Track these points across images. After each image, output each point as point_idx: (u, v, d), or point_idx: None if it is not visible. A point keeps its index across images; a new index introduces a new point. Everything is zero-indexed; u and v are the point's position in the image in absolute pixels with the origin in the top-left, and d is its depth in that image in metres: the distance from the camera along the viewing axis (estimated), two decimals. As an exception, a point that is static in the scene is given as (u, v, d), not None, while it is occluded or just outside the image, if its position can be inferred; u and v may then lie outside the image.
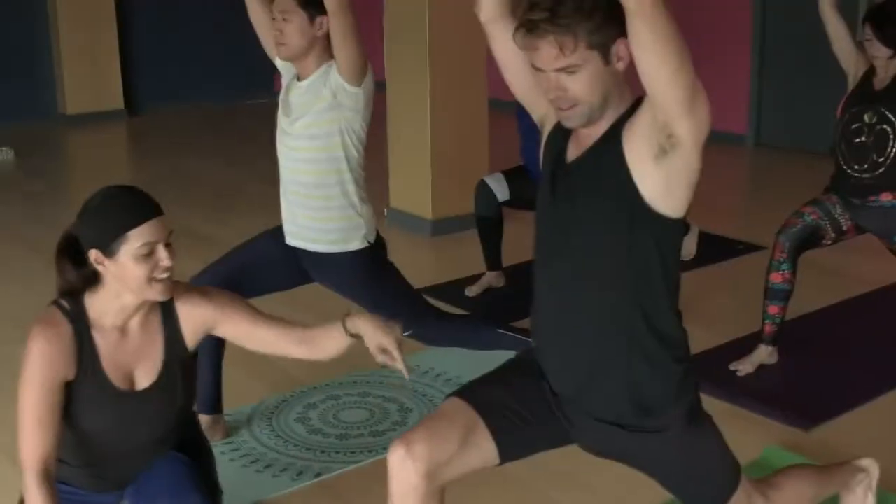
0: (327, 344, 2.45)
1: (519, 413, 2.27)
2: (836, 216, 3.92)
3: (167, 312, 2.35)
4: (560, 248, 2.21)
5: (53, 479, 2.19)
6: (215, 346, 3.29)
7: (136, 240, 2.17)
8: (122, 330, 2.30)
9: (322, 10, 3.07)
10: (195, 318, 2.38)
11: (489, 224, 4.86)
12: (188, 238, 6.05)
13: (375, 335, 2.37)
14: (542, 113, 2.32)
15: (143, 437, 2.37)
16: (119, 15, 9.84)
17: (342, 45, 3.05)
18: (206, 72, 10.64)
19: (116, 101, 9.94)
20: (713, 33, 8.13)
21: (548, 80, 2.07)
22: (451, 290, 4.85)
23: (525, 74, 2.24)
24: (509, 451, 2.27)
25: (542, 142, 2.33)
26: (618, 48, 2.04)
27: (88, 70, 9.68)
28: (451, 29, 5.69)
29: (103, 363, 2.26)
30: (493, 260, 4.91)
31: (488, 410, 2.23)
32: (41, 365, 2.18)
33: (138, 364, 2.32)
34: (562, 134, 2.22)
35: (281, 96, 3.31)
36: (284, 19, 3.13)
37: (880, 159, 3.80)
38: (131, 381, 2.31)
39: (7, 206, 6.78)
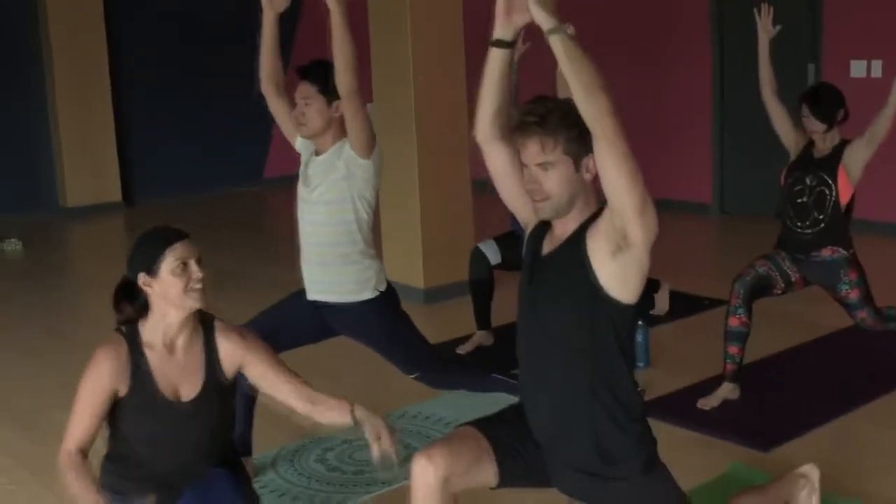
0: (329, 414, 2.90)
1: (518, 450, 2.69)
2: (785, 269, 4.44)
3: (208, 339, 2.82)
4: (534, 324, 2.68)
5: (84, 462, 2.66)
6: (248, 390, 3.74)
7: (171, 257, 2.69)
8: (170, 348, 2.76)
9: (338, 96, 3.58)
10: (231, 350, 2.83)
11: (482, 286, 5.33)
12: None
13: (375, 425, 2.80)
14: (526, 216, 2.79)
15: (188, 448, 2.79)
16: (116, 113, 10.32)
17: (353, 123, 3.55)
18: (197, 163, 11.05)
19: (114, 193, 10.38)
20: (679, 117, 8.79)
21: (529, 174, 2.55)
22: (445, 348, 5.25)
23: (512, 184, 2.72)
24: (506, 479, 2.70)
25: (524, 238, 2.80)
26: (587, 161, 2.53)
27: (87, 165, 10.11)
28: (435, 119, 6.24)
29: (155, 375, 2.73)
30: (483, 320, 5.38)
31: (496, 442, 2.66)
32: (97, 372, 2.67)
33: (184, 380, 2.77)
34: (539, 233, 2.70)
35: (301, 170, 3.80)
36: (306, 103, 3.64)
37: (820, 216, 4.34)
38: (177, 394, 2.77)
39: (22, 294, 7.20)
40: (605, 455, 2.62)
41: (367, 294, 3.74)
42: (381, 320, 3.79)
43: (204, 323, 2.83)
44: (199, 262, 2.74)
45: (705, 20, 8.63)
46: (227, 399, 2.90)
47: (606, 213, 2.50)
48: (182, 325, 2.77)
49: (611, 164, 2.38)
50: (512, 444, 2.68)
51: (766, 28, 4.54)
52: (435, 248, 6.35)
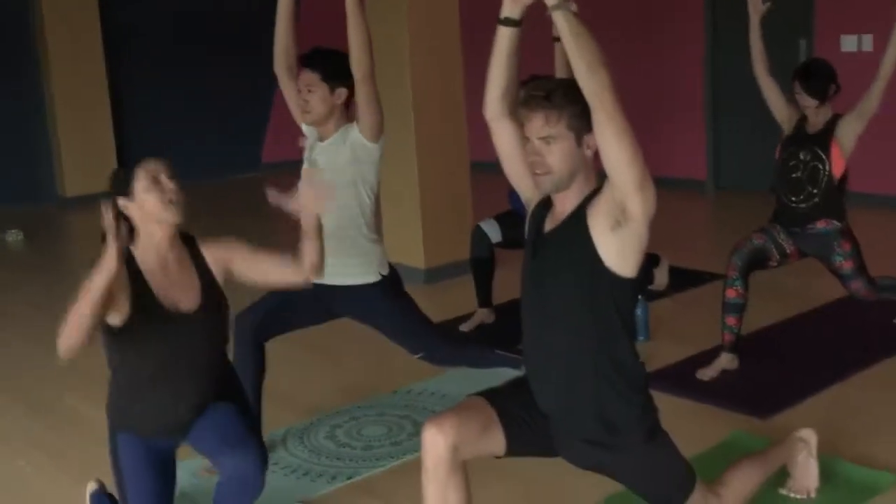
0: (303, 257, 3.09)
1: (525, 420, 2.78)
2: (780, 241, 4.53)
3: (195, 253, 3.05)
4: (538, 300, 2.77)
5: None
6: (257, 369, 3.84)
7: (142, 175, 2.87)
8: (163, 266, 2.93)
9: (340, 83, 3.66)
10: (216, 255, 3.07)
11: (483, 264, 5.42)
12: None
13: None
14: (529, 195, 2.87)
15: (194, 361, 2.95)
16: (113, 102, 10.40)
17: (366, 107, 3.63)
18: (195, 151, 11.10)
19: (112, 182, 10.49)
20: (672, 99, 8.88)
21: (532, 147, 2.64)
22: (447, 327, 5.34)
23: (518, 163, 2.80)
24: (513, 448, 2.79)
25: (528, 216, 2.88)
26: (589, 138, 2.61)
27: (86, 155, 10.12)
28: (433, 101, 6.32)
29: (156, 294, 2.88)
30: (484, 297, 5.47)
31: (503, 412, 2.75)
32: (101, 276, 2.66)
33: (182, 294, 2.94)
34: (541, 211, 2.79)
35: (306, 155, 3.88)
36: (309, 90, 3.72)
37: (814, 191, 4.43)
38: (179, 308, 2.92)
39: (27, 283, 7.27)
40: (609, 425, 2.71)
41: (371, 277, 3.82)
42: (385, 302, 3.87)
43: (186, 240, 3.04)
44: (171, 177, 2.90)
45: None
46: (224, 308, 3.09)
47: (606, 189, 2.58)
48: (171, 243, 2.95)
49: (611, 139, 2.46)
50: (519, 413, 2.76)
51: (755, 6, 4.60)
52: (435, 229, 6.43)
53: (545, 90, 2.63)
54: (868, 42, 7.59)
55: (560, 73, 4.74)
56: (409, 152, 6.25)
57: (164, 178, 2.88)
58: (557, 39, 4.74)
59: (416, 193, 6.35)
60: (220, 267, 3.06)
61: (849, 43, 7.70)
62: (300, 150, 3.99)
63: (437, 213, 6.44)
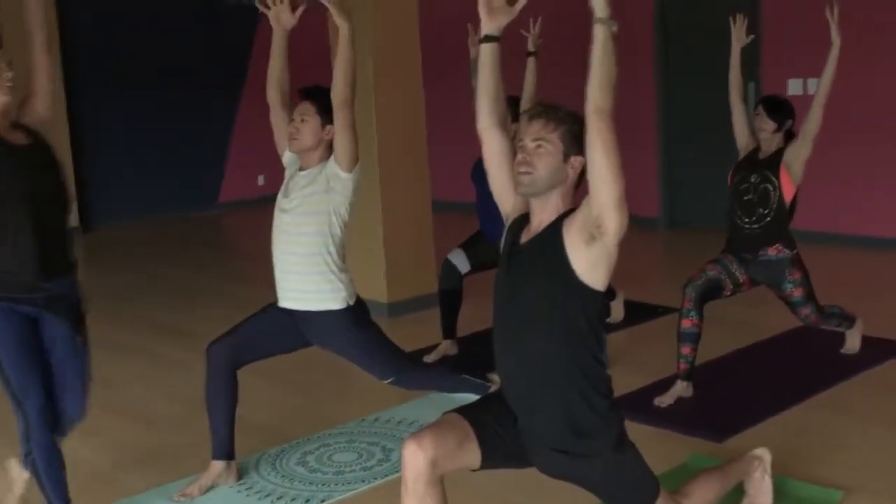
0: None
1: (499, 433, 2.92)
2: (733, 271, 4.75)
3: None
4: (511, 308, 2.92)
5: None
6: (230, 396, 3.95)
7: None
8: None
9: (332, 120, 3.83)
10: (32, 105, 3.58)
11: (451, 296, 5.55)
12: (163, 331, 6.70)
13: None
14: (508, 210, 3.05)
15: (29, 198, 3.34)
16: (73, 140, 10.44)
17: (342, 134, 3.78)
18: (155, 188, 11.21)
19: (72, 219, 10.48)
20: (626, 135, 9.08)
21: (523, 147, 2.84)
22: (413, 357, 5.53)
23: (503, 174, 3.00)
24: (488, 460, 2.92)
25: (504, 228, 3.05)
26: (574, 159, 2.83)
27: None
28: (396, 140, 6.50)
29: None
30: (449, 329, 5.60)
31: (478, 426, 2.89)
32: None
33: (18, 134, 3.43)
34: (518, 225, 2.97)
35: (284, 184, 4.01)
36: (303, 120, 3.88)
37: (766, 212, 4.67)
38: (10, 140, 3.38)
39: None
40: (578, 431, 2.85)
41: (339, 304, 3.93)
42: (354, 330, 3.99)
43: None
44: (9, 64, 3.39)
45: (649, 36, 9.01)
46: (55, 163, 3.52)
47: (584, 206, 2.75)
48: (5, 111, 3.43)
49: (602, 152, 2.62)
50: (493, 427, 2.90)
51: (739, 37, 4.89)
52: (398, 264, 6.59)
53: (550, 105, 2.89)
54: (813, 85, 7.86)
55: (528, 87, 5.12)
56: (373, 188, 6.40)
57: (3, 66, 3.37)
58: (530, 54, 5.17)
59: (379, 229, 6.50)
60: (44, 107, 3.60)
61: (795, 86, 8.01)
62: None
63: (401, 248, 6.59)
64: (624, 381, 4.98)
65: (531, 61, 5.24)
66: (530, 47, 5.27)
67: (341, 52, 3.77)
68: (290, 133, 3.92)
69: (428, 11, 7.26)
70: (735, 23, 4.91)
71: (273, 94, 4.07)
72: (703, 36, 8.49)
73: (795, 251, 4.73)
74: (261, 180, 11.83)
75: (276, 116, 4.08)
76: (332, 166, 3.86)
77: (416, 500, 2.78)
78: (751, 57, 8.27)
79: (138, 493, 4.03)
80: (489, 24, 2.95)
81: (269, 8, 4.04)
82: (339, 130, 3.79)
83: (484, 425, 2.89)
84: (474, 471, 2.96)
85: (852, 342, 5.28)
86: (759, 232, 4.69)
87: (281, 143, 4.08)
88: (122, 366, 5.85)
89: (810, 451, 4.10)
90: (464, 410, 2.95)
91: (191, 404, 4.88)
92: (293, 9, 4.03)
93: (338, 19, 3.75)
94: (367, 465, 4.19)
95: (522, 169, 2.84)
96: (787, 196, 4.67)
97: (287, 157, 4.07)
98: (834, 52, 4.66)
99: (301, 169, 3.97)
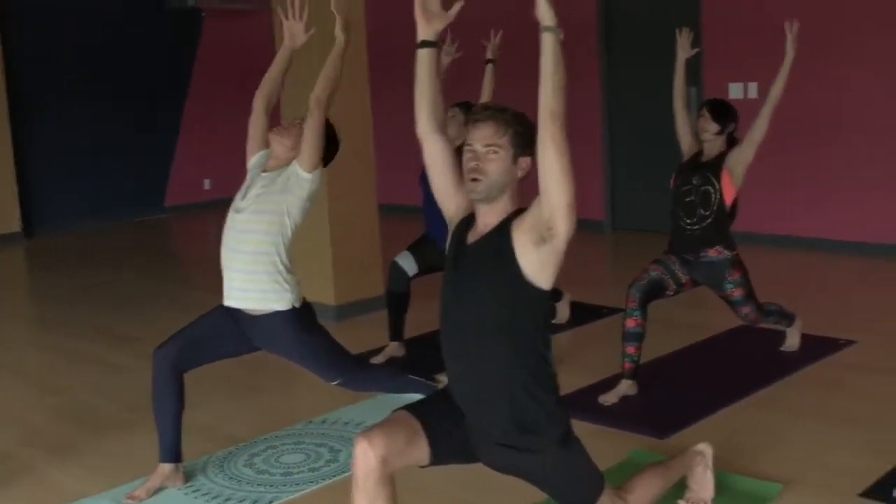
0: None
1: (447, 430, 2.96)
2: (676, 271, 4.84)
3: None
4: (458, 308, 2.96)
5: None
6: (176, 399, 3.95)
7: None
8: None
9: None
10: None
11: (399, 298, 5.59)
12: (109, 336, 6.66)
13: None
14: (452, 213, 3.08)
15: None
16: (15, 145, 10.34)
17: (310, 135, 3.86)
18: (99, 192, 11.12)
19: (13, 224, 10.36)
20: (571, 139, 9.20)
21: (473, 154, 2.86)
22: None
23: (445, 178, 3.04)
24: (437, 456, 2.96)
25: (449, 232, 3.08)
26: (522, 160, 2.88)
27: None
28: (343, 143, 6.49)
29: None
30: (397, 332, 5.63)
31: (427, 422, 2.92)
32: None
33: None
34: (464, 225, 3.00)
35: (244, 186, 4.04)
36: (287, 129, 3.99)
37: (707, 213, 4.76)
38: None
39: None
40: (523, 427, 2.90)
41: (283, 305, 3.95)
42: (299, 332, 4.01)
43: None
44: None
45: (595, 43, 9.12)
46: None
47: (534, 207, 2.79)
48: None
49: (554, 156, 2.67)
50: (441, 423, 2.94)
51: (684, 48, 5.01)
52: (345, 267, 6.60)
53: (498, 108, 2.91)
54: (753, 89, 8.06)
55: (486, 94, 5.27)
56: (320, 191, 6.37)
57: None
58: (489, 61, 5.40)
59: (326, 232, 6.52)
60: None
61: (735, 90, 8.16)
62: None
63: (348, 251, 6.61)
64: (569, 381, 5.05)
65: (489, 68, 5.45)
66: (489, 55, 5.50)
67: (332, 62, 3.96)
68: (279, 131, 4.01)
69: (375, 16, 7.31)
70: (681, 35, 5.01)
71: (261, 101, 4.16)
72: (647, 42, 8.61)
73: (735, 252, 4.83)
74: (207, 184, 11.79)
75: (257, 120, 4.16)
76: (294, 166, 3.91)
77: (367, 497, 2.81)
78: (692, 61, 8.40)
79: (86, 496, 4.02)
80: (425, 30, 2.97)
81: (287, 18, 4.17)
82: (310, 131, 3.87)
83: (433, 422, 2.93)
84: (423, 467, 2.99)
85: (792, 340, 5.40)
86: (700, 233, 4.78)
87: (252, 146, 4.15)
88: (70, 372, 5.82)
89: (751, 447, 4.19)
90: (413, 408, 2.99)
91: (138, 408, 4.88)
92: (306, 29, 4.17)
93: (340, 32, 3.98)
94: (314, 465, 4.21)
95: (475, 176, 2.87)
96: (728, 199, 4.77)
97: (253, 160, 4.12)
98: (786, 64, 4.79)
99: (265, 169, 4.01)
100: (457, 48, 5.50)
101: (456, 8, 2.97)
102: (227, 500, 3.93)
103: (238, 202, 4.00)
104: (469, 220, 2.99)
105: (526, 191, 2.93)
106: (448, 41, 5.51)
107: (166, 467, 4.00)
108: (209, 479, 4.12)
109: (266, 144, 4.12)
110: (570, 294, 6.26)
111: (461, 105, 5.38)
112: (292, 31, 4.15)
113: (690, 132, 4.97)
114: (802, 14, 7.47)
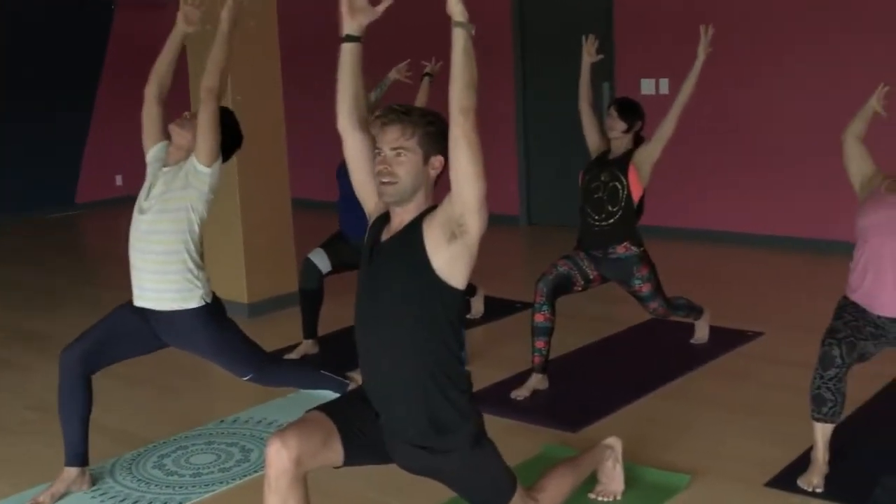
0: None
1: (361, 430, 2.95)
2: (584, 267, 4.88)
3: None
4: (371, 304, 2.95)
5: None
6: (84, 402, 3.87)
7: None
8: None
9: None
10: None
11: (312, 296, 5.56)
12: (17, 335, 6.51)
13: None
14: (371, 209, 3.07)
15: None
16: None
17: (204, 127, 3.77)
18: (6, 188, 10.84)
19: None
20: (485, 134, 9.22)
21: (382, 157, 2.84)
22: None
23: (365, 175, 3.02)
24: (351, 457, 2.95)
25: (367, 227, 3.07)
26: (434, 159, 2.87)
27: None
28: (254, 138, 6.41)
29: None
30: (310, 329, 5.60)
31: (341, 423, 2.90)
32: None
33: None
34: (379, 224, 2.99)
35: (146, 183, 3.96)
36: (189, 121, 3.92)
37: (614, 209, 4.81)
38: None
39: None
40: (436, 427, 2.90)
41: (194, 303, 3.90)
42: (210, 328, 3.96)
43: None
44: None
45: (508, 40, 9.15)
46: None
47: (445, 204, 2.79)
48: None
49: (466, 154, 2.67)
50: (355, 423, 2.93)
51: (590, 53, 5.08)
52: (257, 264, 6.54)
53: (404, 108, 2.89)
54: (665, 85, 8.17)
55: (419, 105, 5.32)
56: (231, 186, 6.33)
57: None
58: (427, 75, 5.53)
59: (238, 228, 6.44)
60: None
61: (647, 86, 8.26)
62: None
63: (260, 248, 6.55)
64: (483, 375, 5.08)
65: (426, 81, 5.64)
66: (428, 70, 5.70)
67: (219, 45, 3.85)
68: (179, 123, 3.95)
69: (288, 7, 7.23)
70: (587, 41, 5.07)
71: (153, 89, 4.05)
72: (562, 39, 8.67)
73: (643, 248, 4.89)
74: (118, 180, 11.57)
75: (150, 110, 4.06)
76: (193, 161, 3.85)
77: (279, 498, 2.78)
78: (605, 57, 8.50)
79: (-13, 502, 3.92)
80: (350, 24, 2.96)
81: (186, 2, 4.06)
82: (204, 122, 3.78)
83: (347, 422, 2.91)
84: (337, 468, 2.98)
85: (701, 332, 5.50)
86: (608, 229, 4.83)
87: (148, 137, 4.06)
88: (-29, 372, 5.67)
89: (660, 438, 4.25)
90: (326, 408, 2.97)
91: (44, 410, 4.77)
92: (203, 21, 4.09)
93: (227, 14, 3.88)
94: (225, 465, 4.16)
95: (385, 179, 2.86)
96: (635, 195, 4.83)
97: (151, 153, 4.03)
98: (696, 67, 4.84)
99: (165, 165, 3.94)
100: (408, 70, 5.76)
101: (384, 5, 2.94)
102: (136, 502, 3.86)
103: (142, 202, 3.93)
104: (385, 218, 2.98)
105: (443, 188, 2.92)
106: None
107: (72, 471, 3.92)
108: (117, 482, 4.05)
109: (164, 136, 4.04)
110: (485, 289, 6.28)
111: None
112: (187, 15, 4.05)
113: (597, 130, 5.02)
114: (716, 10, 7.63)
